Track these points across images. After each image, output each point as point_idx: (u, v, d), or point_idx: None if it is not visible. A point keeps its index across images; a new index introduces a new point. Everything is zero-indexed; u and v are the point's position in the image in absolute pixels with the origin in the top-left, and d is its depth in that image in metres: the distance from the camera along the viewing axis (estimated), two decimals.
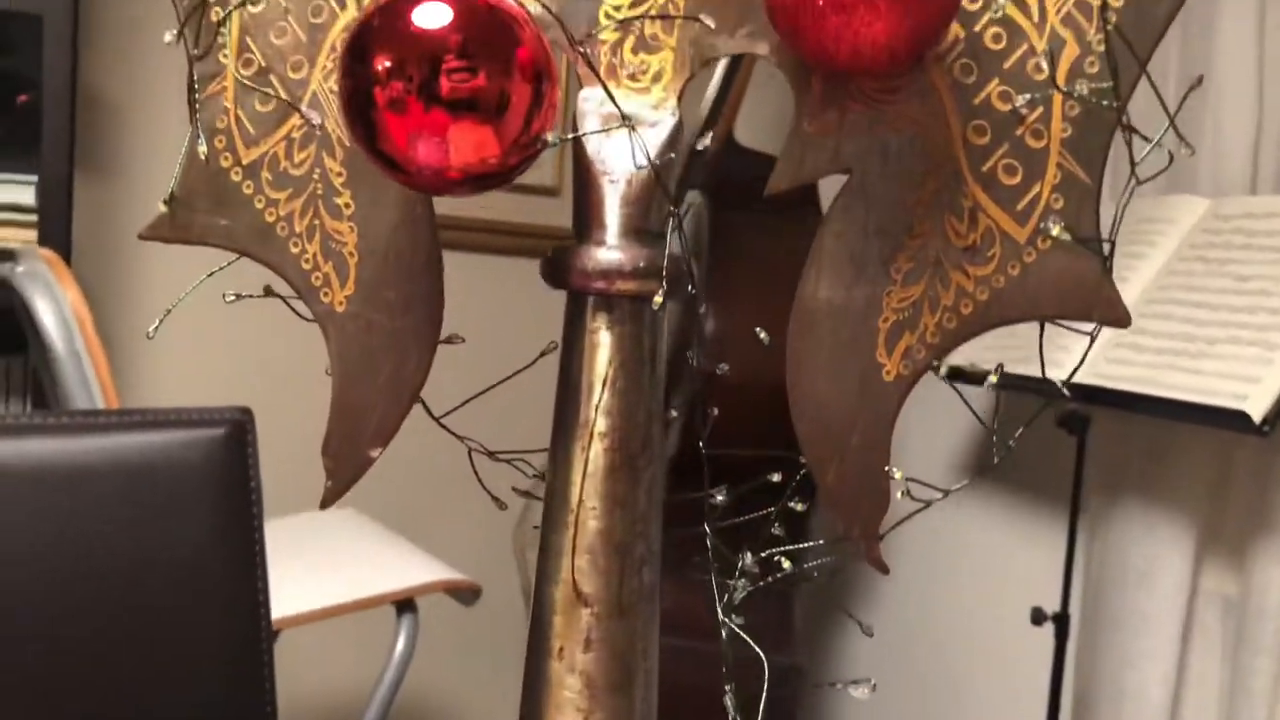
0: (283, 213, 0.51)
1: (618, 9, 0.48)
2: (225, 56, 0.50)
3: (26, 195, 1.93)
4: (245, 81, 0.49)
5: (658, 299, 0.46)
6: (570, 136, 0.46)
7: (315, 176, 0.50)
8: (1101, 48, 0.46)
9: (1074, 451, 1.64)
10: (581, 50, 0.47)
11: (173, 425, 1.05)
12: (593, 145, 0.48)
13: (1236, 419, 1.40)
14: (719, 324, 1.81)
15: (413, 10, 0.43)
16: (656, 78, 0.49)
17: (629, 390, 0.47)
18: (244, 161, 0.51)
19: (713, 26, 0.47)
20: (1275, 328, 1.47)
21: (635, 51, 0.49)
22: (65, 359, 1.32)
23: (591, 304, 0.48)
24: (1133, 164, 0.45)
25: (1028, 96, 0.46)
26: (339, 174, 0.50)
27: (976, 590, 2.03)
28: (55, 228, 1.91)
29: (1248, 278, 1.54)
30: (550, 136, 0.44)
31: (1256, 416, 1.38)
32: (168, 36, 0.48)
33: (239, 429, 1.06)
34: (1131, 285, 1.61)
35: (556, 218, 2.40)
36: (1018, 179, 0.47)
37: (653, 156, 0.47)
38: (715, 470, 0.51)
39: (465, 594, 1.57)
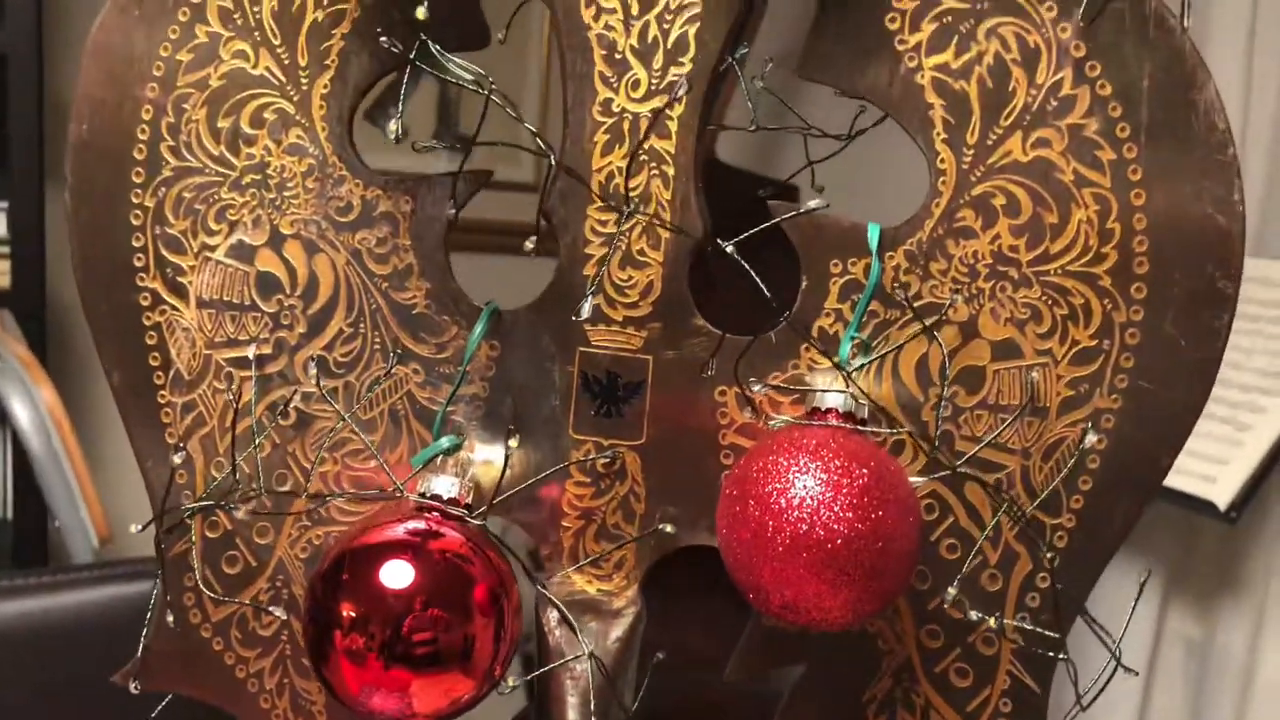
0: (253, 670, 0.51)
1: (580, 497, 0.49)
2: (191, 519, 0.50)
3: None
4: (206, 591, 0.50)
5: None
6: (530, 676, 0.47)
7: (284, 637, 0.51)
8: (1056, 563, 0.47)
9: None
10: (540, 586, 0.48)
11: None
12: (555, 638, 0.49)
13: (1204, 503, 1.42)
14: None
15: (380, 567, 0.43)
16: (619, 565, 0.49)
17: None
18: (213, 619, 0.51)
19: (672, 532, 0.48)
20: (1245, 406, 1.49)
21: (598, 540, 0.49)
22: (45, 460, 1.33)
23: None
24: (1078, 696, 0.46)
25: (978, 615, 0.47)
26: None
27: None
28: (29, 254, 1.89)
29: None
30: (511, 680, 0.45)
31: (1221, 504, 1.40)
32: (134, 528, 0.49)
33: None
34: None
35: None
36: (969, 682, 0.48)
37: (610, 661, 0.48)
38: None
39: None
